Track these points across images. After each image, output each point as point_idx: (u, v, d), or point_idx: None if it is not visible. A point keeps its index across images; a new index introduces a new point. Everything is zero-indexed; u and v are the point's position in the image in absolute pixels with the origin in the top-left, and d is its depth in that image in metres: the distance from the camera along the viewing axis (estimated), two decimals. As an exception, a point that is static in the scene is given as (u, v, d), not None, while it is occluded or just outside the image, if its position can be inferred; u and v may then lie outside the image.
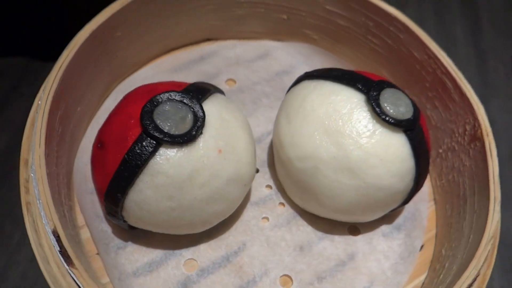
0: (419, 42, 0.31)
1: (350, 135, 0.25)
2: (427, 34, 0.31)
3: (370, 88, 0.26)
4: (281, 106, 0.29)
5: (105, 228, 0.28)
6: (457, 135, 0.30)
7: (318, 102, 0.27)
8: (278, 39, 0.38)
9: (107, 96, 0.34)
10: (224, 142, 0.25)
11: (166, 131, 0.23)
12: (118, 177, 0.24)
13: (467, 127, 0.29)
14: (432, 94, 0.31)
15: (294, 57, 0.37)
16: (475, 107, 0.28)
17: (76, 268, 0.21)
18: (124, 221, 0.26)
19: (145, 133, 0.23)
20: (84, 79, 0.29)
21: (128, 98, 0.26)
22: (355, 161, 0.25)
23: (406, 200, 0.28)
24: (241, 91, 0.35)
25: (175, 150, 0.24)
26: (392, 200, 0.27)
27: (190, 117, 0.24)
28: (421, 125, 0.26)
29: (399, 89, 0.27)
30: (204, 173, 0.24)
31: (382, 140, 0.25)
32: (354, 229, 0.30)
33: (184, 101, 0.25)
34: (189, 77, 0.35)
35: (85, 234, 0.28)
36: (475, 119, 0.28)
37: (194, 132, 0.24)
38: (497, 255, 0.24)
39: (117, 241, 0.28)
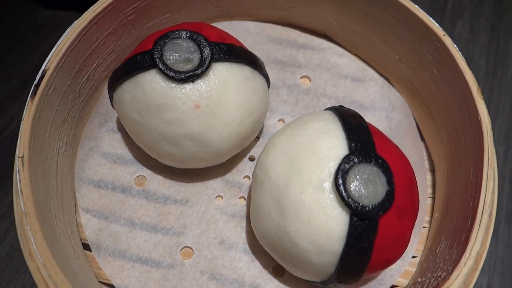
0: (480, 161, 0.25)
1: (303, 178, 0.23)
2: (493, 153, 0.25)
3: (356, 153, 0.23)
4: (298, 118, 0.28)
5: (113, 111, 0.32)
6: (435, 275, 0.24)
7: (309, 132, 0.25)
8: (382, 74, 0.35)
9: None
10: (207, 103, 0.26)
11: (163, 59, 0.25)
12: (117, 70, 0.27)
13: (443, 274, 0.23)
14: (458, 221, 0.26)
15: (383, 99, 0.34)
16: (463, 260, 0.22)
17: (32, 103, 0.25)
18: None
19: (150, 50, 0.26)
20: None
21: (183, 24, 0.29)
22: (289, 202, 0.23)
23: (325, 282, 0.25)
24: (305, 93, 0.34)
25: (161, 78, 0.26)
26: (304, 266, 0.24)
27: (194, 62, 0.26)
28: (381, 227, 0.22)
29: (389, 178, 0.23)
30: (171, 113, 0.26)
31: (323, 203, 0.23)
32: (279, 271, 0.28)
33: (202, 48, 0.26)
34: (277, 54, 0.36)
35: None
36: (451, 272, 0.22)
37: (183, 76, 0.25)
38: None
39: (113, 125, 0.32)
